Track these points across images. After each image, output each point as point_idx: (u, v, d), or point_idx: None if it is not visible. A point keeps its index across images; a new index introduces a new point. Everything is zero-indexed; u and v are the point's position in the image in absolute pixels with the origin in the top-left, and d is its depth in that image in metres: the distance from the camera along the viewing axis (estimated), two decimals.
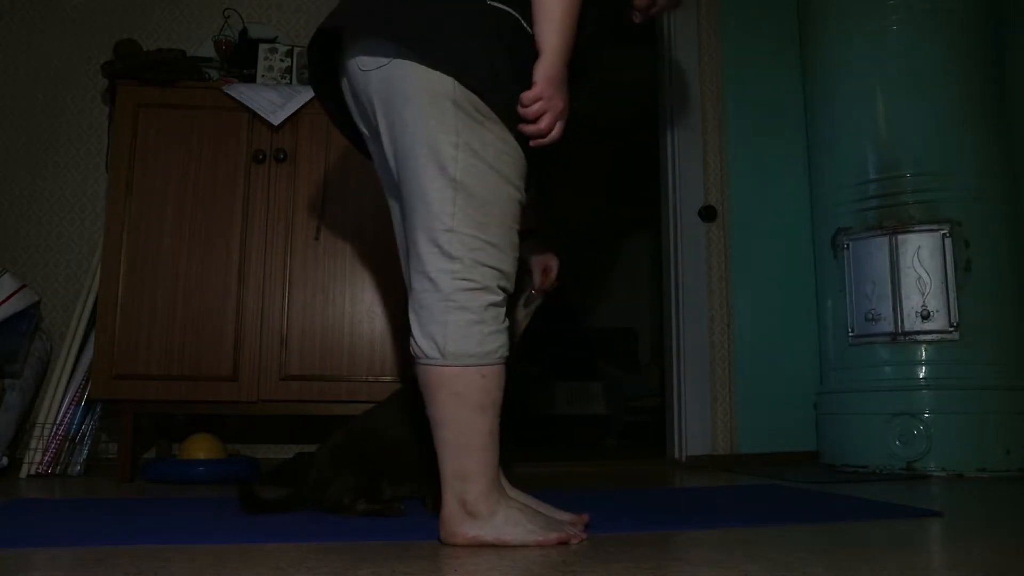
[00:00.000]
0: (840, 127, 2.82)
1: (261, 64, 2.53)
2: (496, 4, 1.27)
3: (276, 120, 2.37)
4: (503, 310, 1.27)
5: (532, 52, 1.28)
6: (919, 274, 2.55)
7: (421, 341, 1.22)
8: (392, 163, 1.31)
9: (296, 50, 2.56)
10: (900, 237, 2.59)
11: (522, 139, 1.29)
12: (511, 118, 1.26)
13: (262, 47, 2.56)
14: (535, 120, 1.26)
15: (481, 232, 1.23)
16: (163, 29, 2.88)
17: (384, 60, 1.27)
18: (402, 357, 2.36)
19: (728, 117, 3.09)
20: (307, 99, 2.40)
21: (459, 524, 1.20)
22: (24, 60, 2.81)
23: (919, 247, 2.56)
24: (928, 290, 2.53)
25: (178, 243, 2.33)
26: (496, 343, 1.23)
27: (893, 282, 2.59)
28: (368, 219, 2.40)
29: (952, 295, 2.51)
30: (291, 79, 2.53)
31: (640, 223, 5.52)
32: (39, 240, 2.73)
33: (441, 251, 1.22)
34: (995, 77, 2.75)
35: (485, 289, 1.23)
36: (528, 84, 1.26)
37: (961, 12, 2.68)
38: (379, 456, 1.64)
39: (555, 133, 1.29)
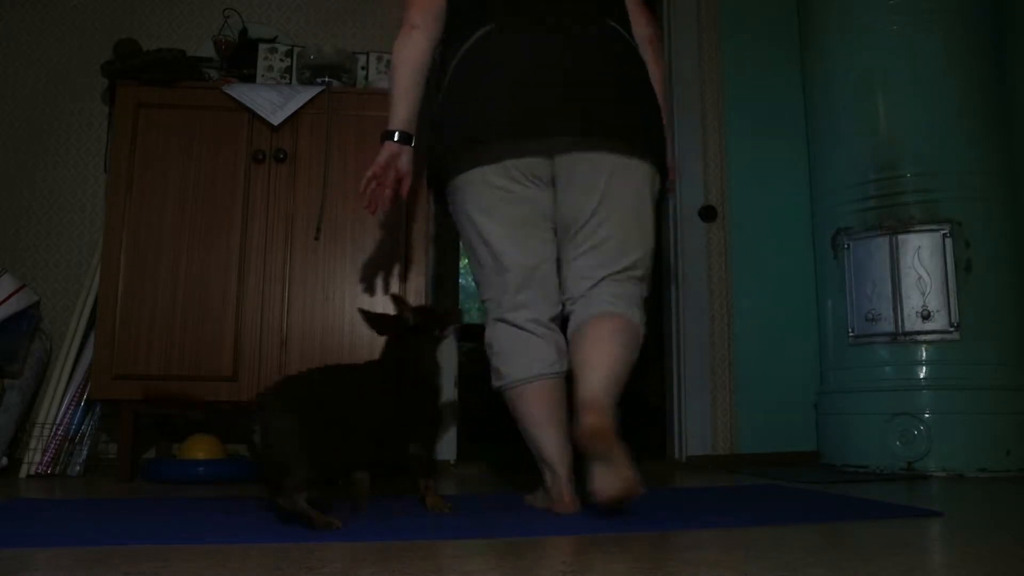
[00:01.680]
0: (840, 127, 2.82)
1: (261, 64, 2.53)
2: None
3: (276, 120, 2.37)
4: None
5: None
6: (919, 274, 2.55)
7: (633, 309, 1.63)
8: (586, 211, 1.64)
9: (296, 50, 2.56)
10: (900, 237, 2.59)
11: None
12: (666, 180, 1.80)
13: (262, 47, 2.56)
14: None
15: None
16: (163, 29, 2.88)
17: (609, 154, 1.63)
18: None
19: (728, 117, 3.09)
20: (307, 99, 2.40)
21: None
22: (24, 60, 2.81)
23: (919, 247, 2.56)
24: (928, 290, 2.53)
25: (178, 243, 2.33)
26: None
27: (893, 282, 2.59)
28: (368, 219, 2.39)
29: (952, 295, 2.51)
30: (291, 79, 2.53)
31: None
32: (39, 240, 2.73)
33: (638, 280, 1.68)
34: (995, 77, 2.75)
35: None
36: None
37: (961, 12, 2.68)
38: (354, 438, 1.43)
39: None
